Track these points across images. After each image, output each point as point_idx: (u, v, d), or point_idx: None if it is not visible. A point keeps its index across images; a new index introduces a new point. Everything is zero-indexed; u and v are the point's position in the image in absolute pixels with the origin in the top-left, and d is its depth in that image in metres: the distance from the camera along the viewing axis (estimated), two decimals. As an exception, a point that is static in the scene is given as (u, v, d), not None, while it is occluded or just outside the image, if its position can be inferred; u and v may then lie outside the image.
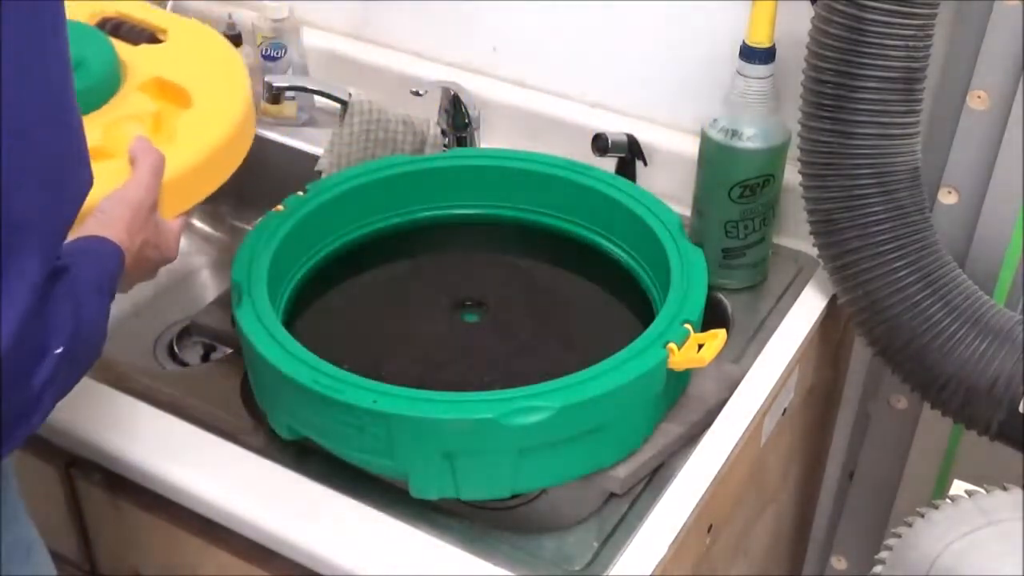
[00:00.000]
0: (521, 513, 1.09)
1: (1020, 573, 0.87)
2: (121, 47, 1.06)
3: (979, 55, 1.07)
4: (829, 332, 1.22)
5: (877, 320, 1.08)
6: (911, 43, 0.99)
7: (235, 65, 1.08)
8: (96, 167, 0.85)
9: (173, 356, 1.33)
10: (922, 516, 0.93)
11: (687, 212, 1.19)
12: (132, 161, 0.92)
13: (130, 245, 0.86)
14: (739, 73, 1.12)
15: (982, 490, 0.94)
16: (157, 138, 0.97)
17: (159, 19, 1.13)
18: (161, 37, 1.11)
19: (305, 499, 0.96)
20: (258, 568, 0.97)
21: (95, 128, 0.95)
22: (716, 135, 1.13)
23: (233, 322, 0.99)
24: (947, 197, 1.14)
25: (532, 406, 0.88)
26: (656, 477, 0.98)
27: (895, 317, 1.07)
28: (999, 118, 1.08)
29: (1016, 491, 0.94)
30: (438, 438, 0.89)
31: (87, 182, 0.77)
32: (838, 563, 1.44)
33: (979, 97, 1.08)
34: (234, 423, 1.03)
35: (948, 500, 0.93)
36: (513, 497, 0.96)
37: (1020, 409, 1.04)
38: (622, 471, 0.95)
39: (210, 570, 1.01)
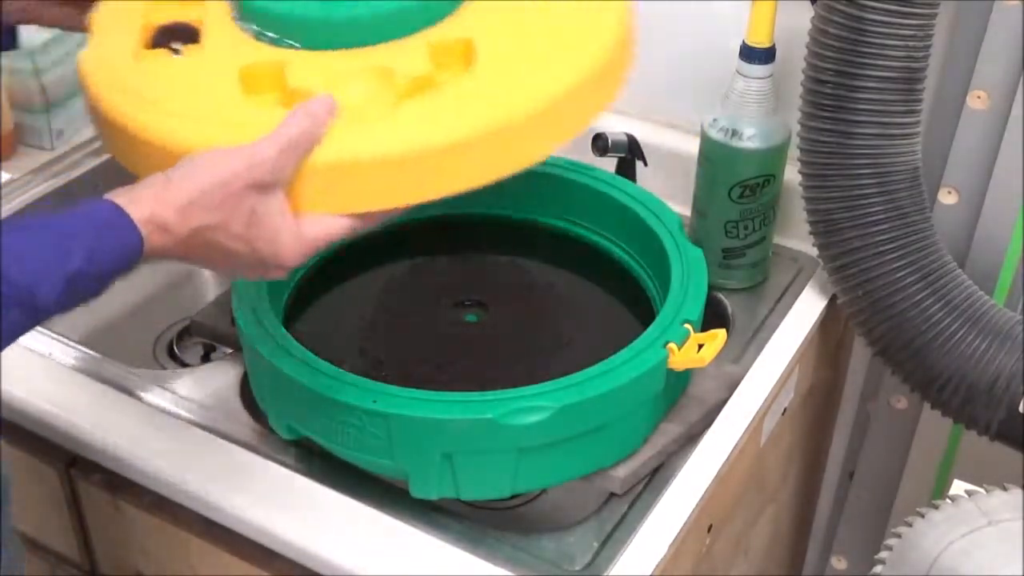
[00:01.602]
0: (521, 513, 1.09)
1: (1020, 573, 0.87)
2: None
3: (979, 55, 1.07)
4: (829, 332, 1.22)
5: (877, 320, 1.08)
6: (911, 43, 0.99)
7: (588, 44, 0.81)
8: (268, 114, 0.72)
9: (173, 356, 1.33)
10: (922, 516, 0.92)
11: (687, 212, 1.19)
12: (281, 122, 0.72)
13: (178, 223, 0.69)
14: (739, 73, 1.12)
15: (982, 490, 0.94)
16: (390, 108, 0.75)
17: None
18: None
19: (305, 499, 0.96)
20: (258, 568, 0.97)
21: (323, 69, 0.78)
22: (716, 135, 1.13)
23: (233, 322, 0.99)
24: (947, 197, 1.14)
25: (532, 406, 0.88)
26: (656, 477, 0.98)
27: (895, 317, 1.07)
28: (999, 118, 1.08)
29: (1016, 491, 0.94)
30: (438, 438, 0.89)
31: None
32: (838, 563, 1.44)
33: (979, 97, 1.08)
34: (234, 423, 1.03)
35: (948, 500, 0.93)
36: (513, 497, 0.96)
37: (1020, 409, 1.04)
38: (622, 471, 0.95)
39: (210, 570, 1.01)
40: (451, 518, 0.94)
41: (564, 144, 0.81)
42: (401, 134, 0.74)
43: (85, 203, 0.69)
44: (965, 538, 0.90)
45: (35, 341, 1.10)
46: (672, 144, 1.28)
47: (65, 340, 1.12)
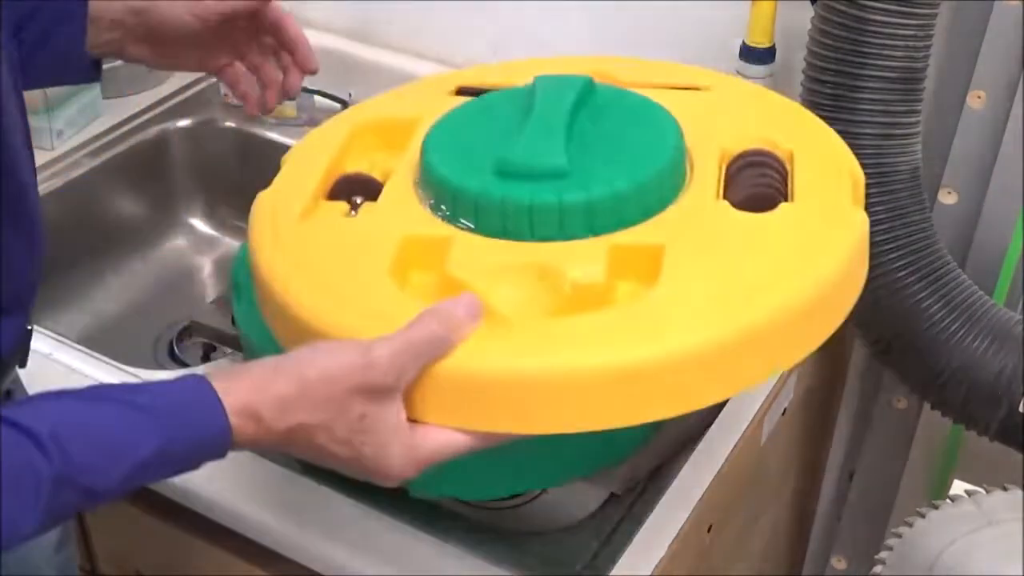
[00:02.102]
0: (521, 513, 1.09)
1: (1020, 573, 0.87)
2: (700, 193, 0.72)
3: (979, 55, 1.07)
4: (829, 332, 1.21)
5: (877, 320, 1.08)
6: (911, 43, 0.99)
7: (800, 276, 0.69)
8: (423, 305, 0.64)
9: (173, 356, 1.33)
10: (922, 516, 0.92)
11: (687, 212, 1.19)
12: (415, 319, 0.64)
13: (273, 419, 0.61)
14: (739, 73, 1.12)
15: (982, 490, 0.94)
16: (549, 317, 0.66)
17: (816, 175, 0.74)
18: (785, 196, 0.74)
19: (305, 499, 0.96)
20: (258, 568, 0.97)
21: (485, 262, 0.69)
22: (716, 135, 1.13)
23: (233, 322, 0.99)
24: (947, 197, 1.14)
25: (532, 406, 0.88)
26: (656, 477, 0.98)
27: (895, 317, 1.07)
28: (999, 118, 1.08)
29: (1016, 491, 0.94)
30: (438, 438, 0.88)
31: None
32: (838, 563, 1.44)
33: (979, 97, 1.08)
34: (234, 423, 1.03)
35: (948, 500, 0.93)
36: (513, 497, 0.96)
37: (1020, 409, 1.04)
38: (622, 471, 0.95)
39: (210, 570, 1.01)
40: (451, 518, 0.94)
41: (758, 383, 0.71)
42: (552, 351, 0.64)
43: (178, 380, 0.62)
44: (965, 538, 0.90)
45: (35, 341, 1.09)
46: (672, 144, 1.28)
47: (65, 340, 1.12)
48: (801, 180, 0.74)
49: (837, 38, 1.00)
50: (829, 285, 0.70)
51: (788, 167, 0.77)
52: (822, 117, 1.02)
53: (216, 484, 0.97)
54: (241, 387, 0.62)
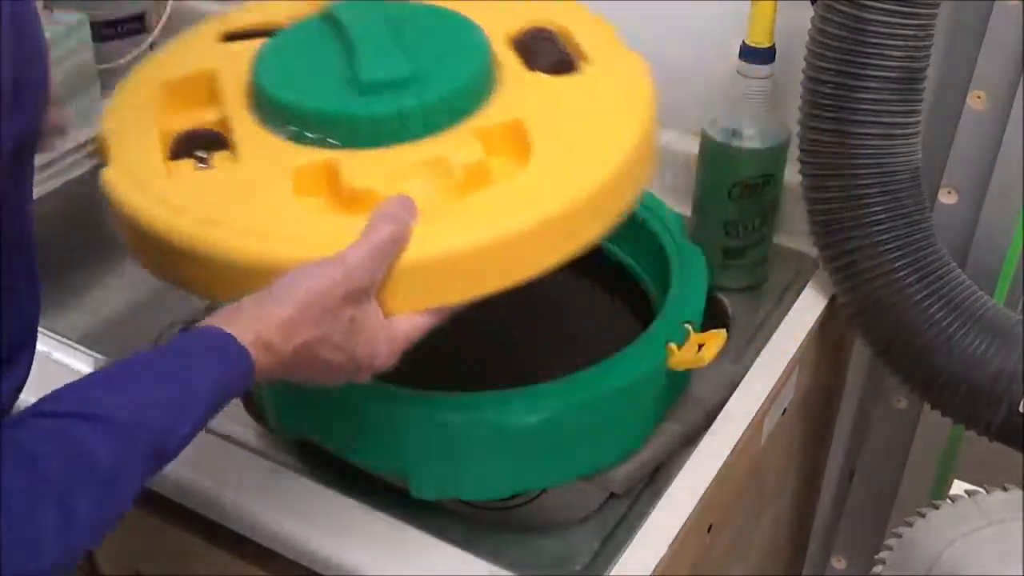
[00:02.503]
0: (521, 513, 1.09)
1: (1020, 573, 0.87)
2: (513, 70, 0.85)
3: (979, 55, 1.07)
4: (829, 332, 1.22)
5: (877, 320, 1.08)
6: (911, 43, 0.99)
7: (625, 129, 0.83)
8: (351, 220, 0.71)
9: (173, 356, 1.33)
10: (922, 516, 0.92)
11: (687, 212, 1.19)
12: (367, 225, 0.71)
13: (280, 342, 0.67)
14: (739, 73, 1.12)
15: (982, 490, 0.94)
16: (450, 200, 0.75)
17: (597, 46, 0.89)
18: (576, 66, 0.88)
19: (305, 499, 0.96)
20: (258, 568, 0.97)
21: (380, 167, 0.76)
22: (716, 135, 1.13)
23: (233, 322, 0.99)
24: (947, 197, 1.14)
25: (532, 406, 0.88)
26: (656, 477, 0.98)
27: (895, 317, 1.07)
28: (999, 118, 1.08)
29: (1016, 491, 0.94)
30: (438, 438, 0.89)
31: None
32: (838, 563, 1.44)
33: (979, 97, 1.08)
34: (234, 423, 1.03)
35: (948, 500, 0.93)
36: (513, 497, 0.96)
37: (1020, 409, 1.04)
38: (622, 471, 0.95)
39: (210, 570, 1.01)
40: (451, 518, 0.94)
41: (619, 220, 0.82)
42: (476, 227, 0.74)
43: (195, 337, 0.66)
44: (965, 538, 0.90)
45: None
46: (672, 144, 1.28)
47: (65, 340, 1.12)
48: (584, 45, 0.89)
49: (837, 38, 1.00)
50: (649, 131, 0.86)
51: (564, 37, 0.90)
52: (822, 117, 1.03)
53: (216, 484, 0.97)
54: (244, 323, 0.66)
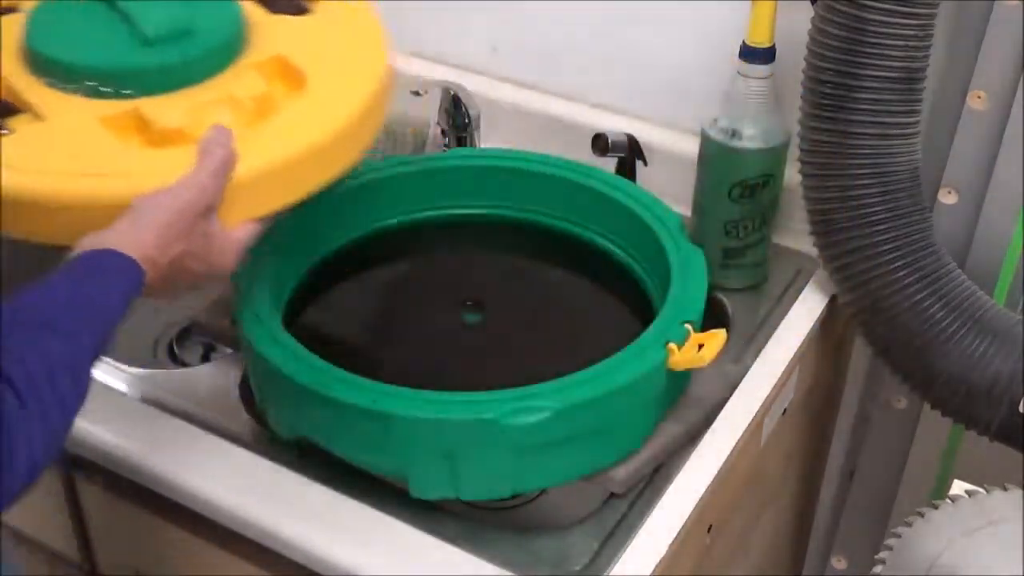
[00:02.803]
0: (521, 513, 1.09)
1: (1020, 573, 0.87)
2: (257, 14, 0.98)
3: (979, 55, 1.07)
4: (829, 332, 1.22)
5: (877, 320, 1.08)
6: (911, 43, 0.99)
7: (374, 52, 0.97)
8: (167, 154, 0.82)
9: (173, 356, 1.33)
10: (922, 516, 0.93)
11: (687, 212, 1.19)
12: (198, 154, 0.83)
13: (158, 255, 0.78)
14: (739, 73, 1.12)
15: (982, 490, 0.94)
16: (252, 126, 0.87)
17: None
18: (308, 6, 1.01)
19: (305, 499, 0.96)
20: (258, 568, 0.97)
21: (181, 107, 0.87)
22: (716, 135, 1.13)
23: (233, 322, 0.99)
24: (947, 197, 1.14)
25: (532, 406, 0.88)
26: (656, 477, 0.98)
27: (895, 317, 1.07)
28: (999, 118, 1.08)
29: (1016, 491, 0.94)
30: (438, 438, 0.89)
31: None
32: (838, 563, 1.44)
33: (979, 97, 1.08)
34: (234, 423, 1.04)
35: (948, 500, 0.93)
36: (513, 497, 0.96)
37: (1020, 409, 1.04)
38: (622, 471, 0.95)
39: (210, 570, 1.01)
40: (451, 518, 0.94)
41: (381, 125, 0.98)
42: (280, 145, 0.87)
43: (97, 259, 0.76)
44: (965, 538, 0.90)
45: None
46: (672, 144, 1.28)
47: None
48: None
49: (837, 38, 1.00)
50: (386, 52, 0.98)
51: None
52: (822, 117, 1.03)
53: (216, 484, 0.97)
54: (130, 245, 0.77)
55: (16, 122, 0.89)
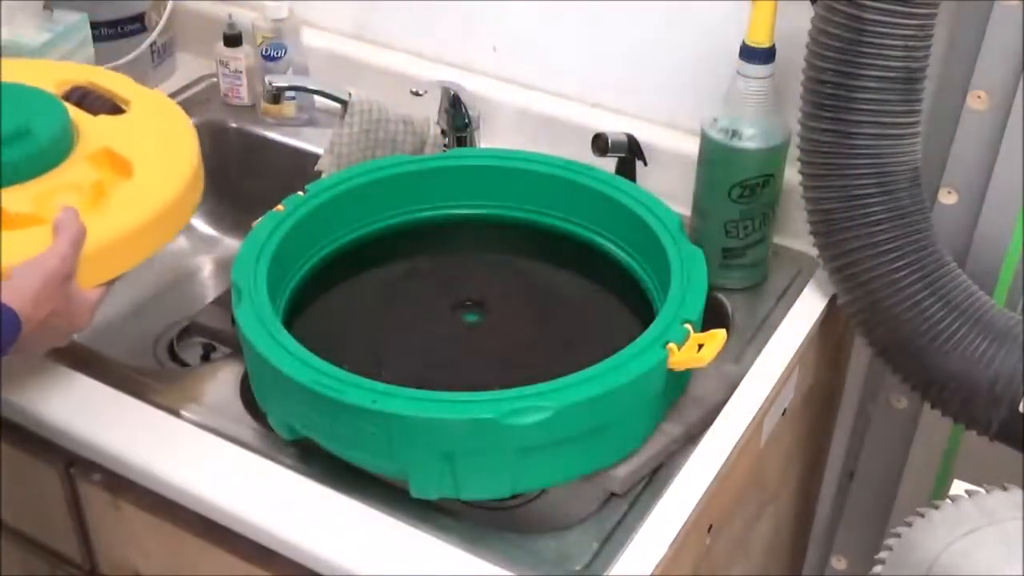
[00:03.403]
0: (521, 513, 1.09)
1: (1020, 573, 0.87)
2: (80, 116, 1.12)
3: (979, 55, 1.07)
4: (829, 332, 1.22)
5: (877, 320, 1.08)
6: (911, 43, 0.99)
7: (187, 140, 1.12)
8: (24, 234, 0.96)
9: (173, 356, 1.33)
10: (922, 516, 0.92)
11: (687, 212, 1.19)
12: (54, 230, 0.95)
13: (33, 313, 0.90)
14: (739, 73, 1.12)
15: (982, 490, 0.94)
16: (93, 208, 1.01)
17: (126, 90, 1.18)
18: (124, 107, 1.16)
19: (305, 499, 0.96)
20: (258, 568, 0.97)
21: (29, 195, 1.01)
22: (716, 135, 1.13)
23: (233, 322, 0.99)
24: (947, 197, 1.14)
25: (532, 406, 0.88)
26: (656, 477, 0.98)
27: (895, 317, 1.07)
28: (999, 118, 1.08)
29: (1016, 491, 0.94)
30: (438, 438, 0.89)
31: None
32: (838, 563, 1.44)
33: (979, 97, 1.08)
34: (234, 423, 1.03)
35: (948, 500, 0.93)
36: (513, 497, 0.96)
37: (1020, 409, 1.04)
38: (622, 471, 0.95)
39: (210, 570, 1.01)
40: (451, 518, 0.94)
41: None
42: (117, 223, 1.00)
43: None
44: (965, 538, 0.90)
45: (35, 341, 1.10)
46: (672, 144, 1.28)
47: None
48: (119, 92, 1.17)
49: (837, 38, 1.00)
50: (196, 143, 1.12)
51: (99, 89, 1.18)
52: (822, 117, 1.03)
53: (216, 484, 0.97)
54: (10, 299, 0.89)
55: None
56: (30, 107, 1.07)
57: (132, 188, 1.05)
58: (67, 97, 1.16)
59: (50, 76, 1.17)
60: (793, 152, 1.11)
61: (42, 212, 0.99)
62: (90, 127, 1.11)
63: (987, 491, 0.94)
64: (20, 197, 1.01)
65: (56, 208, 0.98)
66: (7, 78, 1.13)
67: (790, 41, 1.09)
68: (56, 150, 1.05)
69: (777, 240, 1.23)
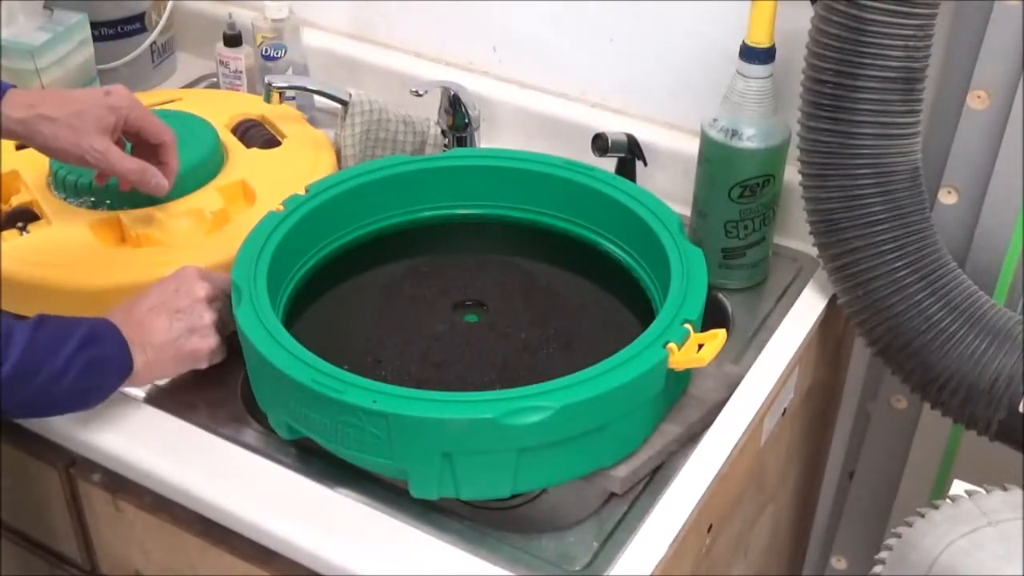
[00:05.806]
0: (521, 513, 1.09)
1: (1020, 573, 0.87)
2: (236, 148, 1.26)
3: (979, 55, 1.07)
4: (829, 332, 1.22)
5: (877, 320, 1.08)
6: (911, 43, 0.99)
7: (320, 174, 1.19)
8: (136, 253, 1.12)
9: (173, 356, 1.33)
10: (922, 516, 0.92)
11: (687, 212, 1.19)
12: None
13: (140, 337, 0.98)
14: (739, 73, 1.12)
15: (982, 490, 0.94)
16: (208, 234, 1.15)
17: (289, 126, 1.31)
18: (280, 141, 1.29)
19: (305, 499, 0.96)
20: (258, 568, 0.97)
21: (151, 218, 1.15)
22: (716, 135, 1.13)
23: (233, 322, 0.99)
24: (947, 197, 1.14)
25: (532, 406, 0.88)
26: (656, 477, 0.98)
27: (895, 317, 1.07)
28: (999, 118, 1.08)
29: (1016, 491, 0.94)
30: (438, 438, 0.89)
31: None
32: (838, 563, 1.44)
33: (979, 97, 1.08)
34: (234, 423, 1.03)
35: (948, 500, 0.93)
36: (513, 497, 0.96)
37: (1020, 409, 1.04)
38: (622, 471, 0.96)
39: (210, 570, 1.01)
40: (451, 518, 0.95)
41: None
42: (228, 247, 1.08)
43: (87, 336, 0.94)
44: (965, 538, 0.90)
45: (35, 341, 1.10)
46: (672, 144, 1.28)
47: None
48: (282, 128, 1.32)
49: (837, 38, 1.00)
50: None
51: (266, 123, 1.33)
52: (822, 117, 1.03)
53: (216, 484, 0.97)
54: (125, 328, 0.98)
55: (35, 226, 1.17)
56: (183, 137, 1.17)
57: (249, 215, 1.14)
58: (235, 129, 1.30)
59: (227, 109, 1.32)
60: (793, 152, 1.11)
61: (161, 234, 1.13)
62: (241, 158, 1.24)
63: (987, 491, 0.94)
64: (143, 219, 1.14)
65: (175, 231, 1.13)
66: (191, 107, 1.28)
67: (790, 41, 1.09)
68: (194, 178, 1.18)
69: (777, 240, 1.23)
